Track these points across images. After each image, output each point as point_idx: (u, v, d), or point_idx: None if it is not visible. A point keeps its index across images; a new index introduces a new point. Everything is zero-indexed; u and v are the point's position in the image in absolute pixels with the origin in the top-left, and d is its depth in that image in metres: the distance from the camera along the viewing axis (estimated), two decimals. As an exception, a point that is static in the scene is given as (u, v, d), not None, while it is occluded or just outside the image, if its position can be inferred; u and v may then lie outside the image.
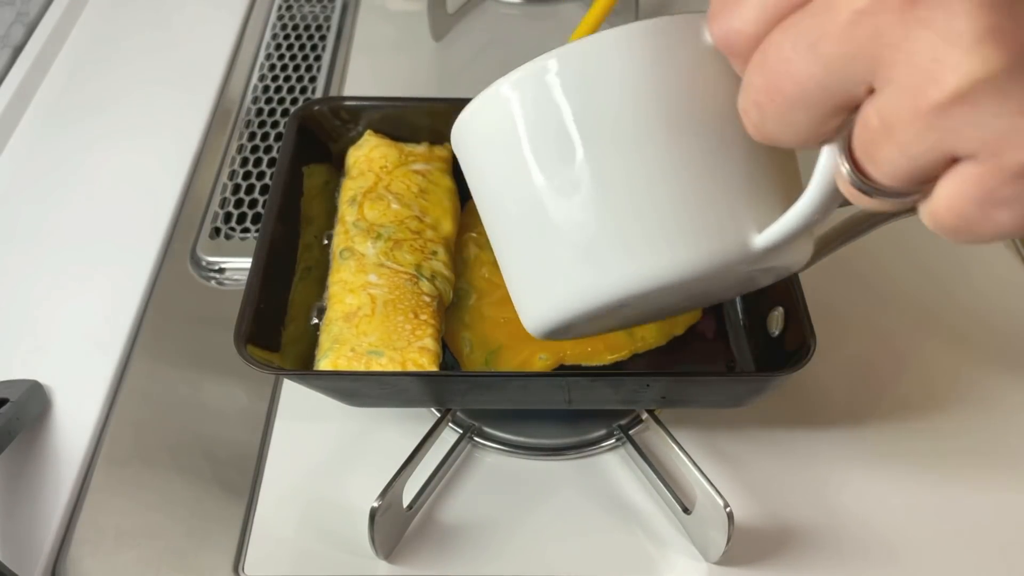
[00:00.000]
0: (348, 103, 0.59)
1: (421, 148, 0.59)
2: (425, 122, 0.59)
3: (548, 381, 0.49)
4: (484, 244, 0.57)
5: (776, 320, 0.49)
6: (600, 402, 0.52)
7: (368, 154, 0.58)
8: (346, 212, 0.56)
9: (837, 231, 0.48)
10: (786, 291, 0.48)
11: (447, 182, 0.58)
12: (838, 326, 0.59)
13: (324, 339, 0.51)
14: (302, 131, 0.57)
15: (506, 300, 0.53)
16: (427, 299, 0.52)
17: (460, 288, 0.56)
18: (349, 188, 0.57)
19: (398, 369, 0.48)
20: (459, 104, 0.36)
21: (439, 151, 0.59)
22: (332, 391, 0.49)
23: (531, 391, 0.49)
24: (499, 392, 0.50)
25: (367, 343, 0.49)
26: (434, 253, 0.54)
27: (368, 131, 0.59)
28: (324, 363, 0.49)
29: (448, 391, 0.50)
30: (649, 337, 0.54)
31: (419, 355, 0.49)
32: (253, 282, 0.49)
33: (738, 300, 0.55)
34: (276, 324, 0.50)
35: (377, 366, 0.48)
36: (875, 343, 0.59)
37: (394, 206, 0.55)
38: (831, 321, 0.58)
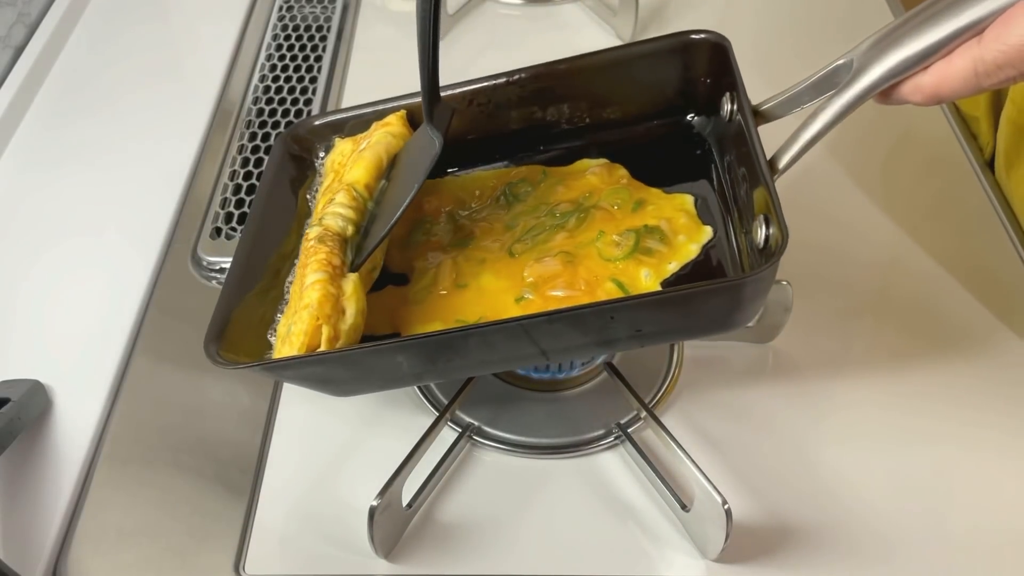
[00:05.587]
0: (324, 120, 0.59)
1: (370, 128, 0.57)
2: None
3: (505, 328, 0.45)
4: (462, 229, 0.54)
5: (759, 229, 0.45)
6: (575, 348, 0.48)
7: (332, 157, 0.57)
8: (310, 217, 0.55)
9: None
10: (764, 199, 0.45)
11: (383, 138, 0.55)
12: (836, 326, 0.59)
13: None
14: (286, 155, 0.58)
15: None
16: (312, 243, 0.49)
17: (424, 276, 0.53)
18: (319, 193, 0.57)
19: (307, 330, 0.46)
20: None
21: (385, 121, 0.57)
22: (303, 380, 0.48)
23: (497, 348, 0.46)
24: (465, 353, 0.46)
25: (287, 325, 0.48)
26: (331, 200, 0.52)
27: (336, 137, 0.58)
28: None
29: (409, 360, 0.47)
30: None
31: (305, 309, 0.46)
32: (225, 292, 0.49)
33: (730, 225, 0.52)
34: (251, 329, 0.50)
35: (293, 337, 0.46)
36: (872, 342, 0.60)
37: (338, 196, 0.53)
38: (829, 321, 0.59)
